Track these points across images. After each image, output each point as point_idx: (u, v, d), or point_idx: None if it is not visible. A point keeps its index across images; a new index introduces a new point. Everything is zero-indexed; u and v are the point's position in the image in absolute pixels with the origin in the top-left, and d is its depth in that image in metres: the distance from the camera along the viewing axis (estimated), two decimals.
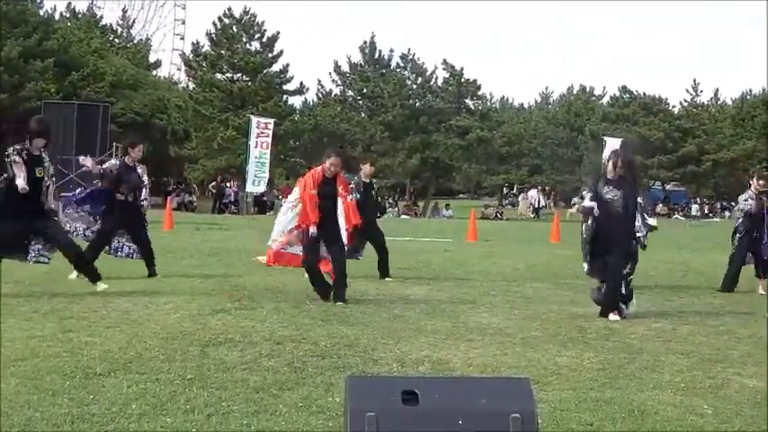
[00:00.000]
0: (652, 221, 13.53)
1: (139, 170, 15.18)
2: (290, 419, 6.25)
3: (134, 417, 6.21)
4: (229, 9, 73.48)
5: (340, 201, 12.88)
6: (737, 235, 16.15)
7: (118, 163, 15.37)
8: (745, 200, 16.09)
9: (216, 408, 6.49)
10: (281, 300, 12.33)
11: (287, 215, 14.55)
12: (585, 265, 12.84)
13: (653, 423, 6.56)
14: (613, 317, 11.90)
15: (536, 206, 67.02)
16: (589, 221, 12.41)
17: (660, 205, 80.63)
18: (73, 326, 9.77)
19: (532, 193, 73.06)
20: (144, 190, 15.24)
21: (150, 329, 9.71)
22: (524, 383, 5.05)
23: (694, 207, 76.28)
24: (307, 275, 12.91)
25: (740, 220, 16.22)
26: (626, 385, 7.87)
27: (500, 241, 29.38)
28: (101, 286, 12.48)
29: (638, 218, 12.96)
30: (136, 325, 9.98)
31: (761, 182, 15.71)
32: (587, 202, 12.47)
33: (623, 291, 12.25)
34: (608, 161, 12.86)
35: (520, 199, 62.07)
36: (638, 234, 13.01)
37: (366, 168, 17.02)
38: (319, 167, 12.95)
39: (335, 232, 12.75)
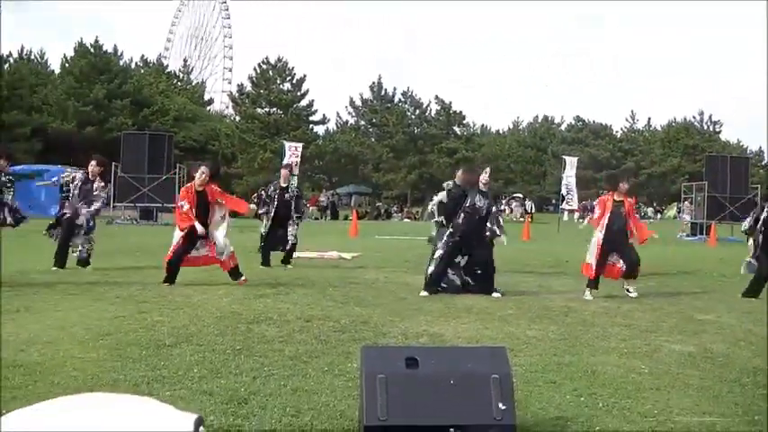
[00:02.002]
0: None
1: (96, 184, 14.87)
2: (318, 381, 6.26)
3: (195, 379, 6.23)
4: (266, 57, 73.80)
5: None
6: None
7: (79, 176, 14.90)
8: None
9: (259, 372, 6.50)
10: (309, 287, 12.33)
11: None
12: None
13: (602, 380, 6.57)
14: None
15: (529, 211, 66.03)
16: None
17: None
18: (147, 308, 9.79)
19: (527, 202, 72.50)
20: (95, 203, 14.90)
21: (207, 310, 9.72)
22: (502, 351, 5.08)
23: (650, 210, 75.83)
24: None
25: None
26: (581, 351, 7.86)
27: None
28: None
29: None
30: (196, 307, 9.99)
31: None
32: None
33: None
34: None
35: (513, 206, 61.27)
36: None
37: (283, 173, 17.00)
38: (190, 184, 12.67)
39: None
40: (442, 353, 5.38)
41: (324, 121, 76.58)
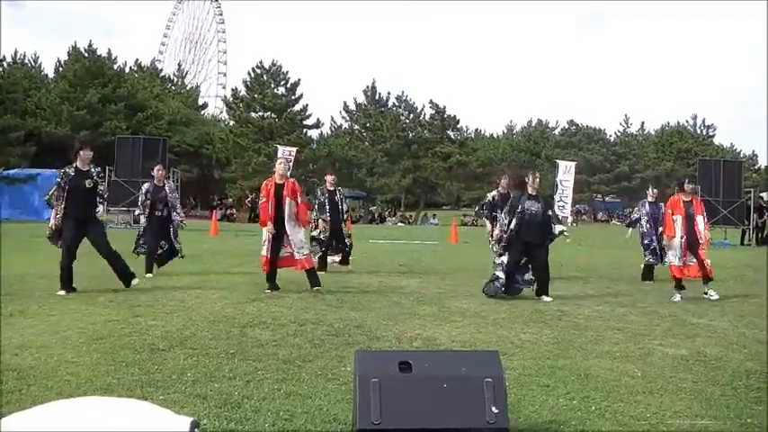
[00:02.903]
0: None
1: (167, 188, 15.28)
2: (312, 385, 6.26)
3: (189, 383, 6.23)
4: (261, 62, 73.76)
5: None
6: None
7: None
8: None
9: (253, 375, 6.51)
10: (303, 291, 12.33)
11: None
12: None
13: (595, 384, 6.58)
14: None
15: None
16: None
17: (600, 213, 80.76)
18: (141, 312, 9.79)
19: None
20: (177, 206, 15.36)
21: (201, 314, 9.73)
22: (495, 355, 5.09)
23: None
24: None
25: None
26: (575, 355, 7.88)
27: (476, 243, 29.31)
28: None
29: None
30: (189, 311, 10.00)
31: None
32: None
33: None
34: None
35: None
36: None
37: (329, 178, 17.04)
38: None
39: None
40: (436, 357, 5.39)
41: (318, 125, 76.49)
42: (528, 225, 12.56)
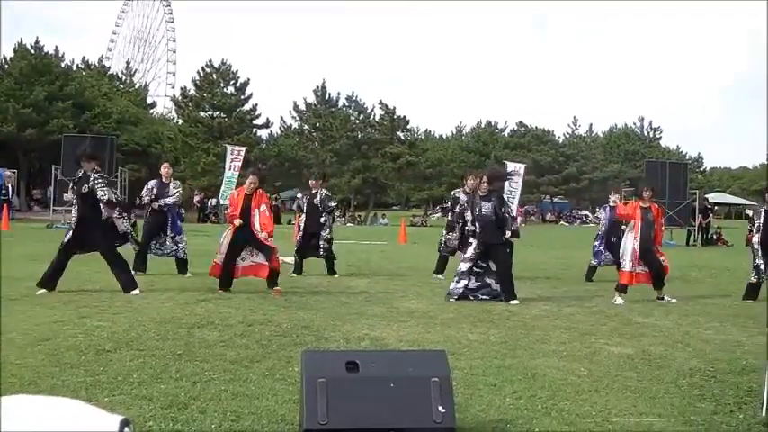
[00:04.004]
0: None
1: (171, 186, 15.47)
2: (259, 385, 6.23)
3: (135, 384, 6.16)
4: (210, 61, 73.34)
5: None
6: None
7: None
8: None
9: (200, 376, 6.46)
10: (251, 291, 12.26)
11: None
12: None
13: (542, 383, 6.62)
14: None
15: None
16: None
17: (549, 214, 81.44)
18: (87, 313, 9.68)
19: None
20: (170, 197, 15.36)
21: (148, 315, 9.64)
22: (442, 354, 5.10)
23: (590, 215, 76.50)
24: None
25: None
26: (522, 354, 7.92)
27: (424, 243, 29.39)
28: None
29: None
30: (136, 312, 9.91)
31: None
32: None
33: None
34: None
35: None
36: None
37: (312, 183, 16.64)
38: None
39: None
40: (383, 356, 5.39)
41: (267, 125, 76.16)
42: (483, 226, 12.58)
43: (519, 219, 44.00)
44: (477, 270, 12.58)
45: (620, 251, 13.43)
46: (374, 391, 4.72)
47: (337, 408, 4.61)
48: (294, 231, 16.67)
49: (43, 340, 7.87)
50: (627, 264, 13.07)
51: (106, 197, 11.82)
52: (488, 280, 12.59)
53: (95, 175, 11.95)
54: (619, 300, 12.72)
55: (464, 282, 12.41)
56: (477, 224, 12.60)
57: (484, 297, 12.43)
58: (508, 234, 12.57)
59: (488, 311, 10.96)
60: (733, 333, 9.79)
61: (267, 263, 12.45)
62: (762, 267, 13.50)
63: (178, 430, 5.05)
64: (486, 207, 12.55)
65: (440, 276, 15.51)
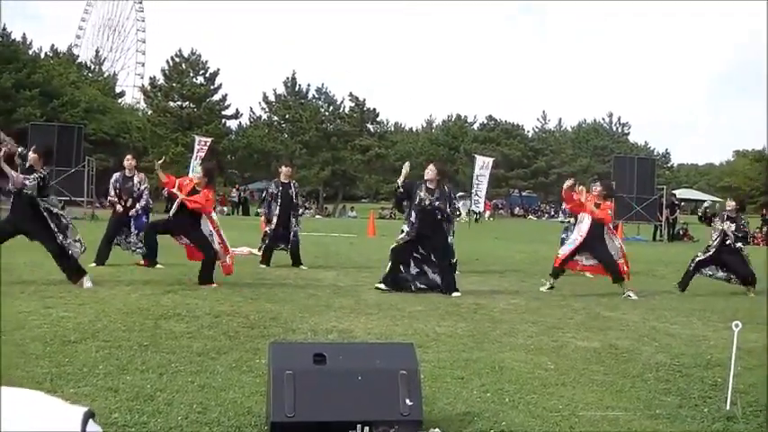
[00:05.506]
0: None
1: (136, 179, 15.21)
2: (226, 377, 6.20)
3: (101, 375, 6.11)
4: (180, 50, 73.05)
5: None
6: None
7: None
8: None
9: (166, 368, 6.41)
10: (219, 282, 12.21)
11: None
12: None
13: (509, 376, 6.63)
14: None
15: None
16: None
17: (517, 208, 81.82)
18: (52, 303, 9.58)
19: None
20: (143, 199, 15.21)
21: (114, 306, 9.57)
22: (410, 347, 5.10)
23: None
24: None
25: None
26: (490, 347, 7.94)
27: (393, 236, 29.45)
28: None
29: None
30: (102, 303, 9.82)
31: None
32: None
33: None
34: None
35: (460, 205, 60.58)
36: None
37: (284, 170, 16.69)
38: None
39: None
40: (350, 349, 5.39)
41: (237, 115, 76.00)
42: (422, 218, 12.44)
43: (487, 213, 44.05)
44: (417, 256, 12.58)
45: (569, 240, 13.49)
46: (342, 383, 4.71)
47: (304, 400, 4.60)
48: (262, 223, 16.58)
49: (7, 331, 7.79)
50: (566, 250, 13.19)
51: (30, 190, 11.26)
52: (427, 268, 12.60)
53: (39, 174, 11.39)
54: (547, 285, 12.87)
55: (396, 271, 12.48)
56: (414, 213, 12.48)
57: (422, 286, 12.47)
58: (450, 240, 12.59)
59: (456, 305, 10.98)
60: (698, 328, 9.88)
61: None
62: (699, 259, 14.35)
63: (144, 422, 5.01)
64: (428, 199, 12.46)
65: None
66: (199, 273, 12.14)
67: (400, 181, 12.76)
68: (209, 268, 12.13)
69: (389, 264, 12.54)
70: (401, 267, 12.53)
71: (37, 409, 2.46)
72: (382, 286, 12.26)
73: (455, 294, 12.03)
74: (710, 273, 14.41)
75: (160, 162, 12.50)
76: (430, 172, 12.64)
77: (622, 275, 13.07)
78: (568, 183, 13.44)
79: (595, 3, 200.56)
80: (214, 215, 12.79)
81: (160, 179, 12.56)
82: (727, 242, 14.07)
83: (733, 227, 13.99)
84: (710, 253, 14.28)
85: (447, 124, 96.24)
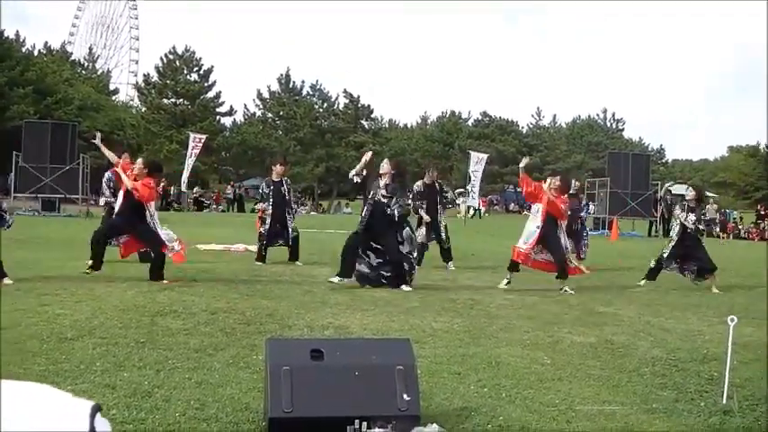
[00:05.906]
0: None
1: None
2: (223, 373, 6.21)
3: (98, 372, 6.11)
4: (174, 47, 72.98)
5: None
6: None
7: None
8: None
9: (163, 365, 6.42)
10: (215, 279, 12.22)
11: None
12: None
13: (506, 371, 6.65)
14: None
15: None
16: None
17: (512, 204, 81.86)
18: (48, 301, 9.57)
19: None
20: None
21: (110, 303, 9.56)
22: (406, 343, 5.11)
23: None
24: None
25: None
26: (486, 343, 7.95)
27: None
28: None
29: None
30: (99, 300, 9.82)
31: None
32: None
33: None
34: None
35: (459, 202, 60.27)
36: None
37: (277, 168, 16.64)
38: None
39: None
40: (347, 345, 5.40)
41: (231, 112, 76.02)
42: (372, 212, 12.42)
43: (483, 209, 43.97)
44: (377, 247, 12.48)
45: (525, 232, 13.18)
46: (339, 379, 4.71)
47: (302, 396, 4.60)
48: (257, 220, 16.58)
49: (4, 328, 7.78)
50: (522, 243, 12.94)
51: None
52: (380, 262, 12.49)
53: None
54: (504, 281, 12.83)
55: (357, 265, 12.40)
56: (366, 207, 12.50)
57: (387, 275, 12.38)
58: (407, 248, 12.42)
59: (452, 300, 10.99)
60: (694, 323, 9.91)
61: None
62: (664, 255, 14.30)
63: (142, 419, 5.01)
64: (381, 193, 12.41)
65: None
66: (150, 269, 12.14)
67: (356, 170, 12.77)
68: (160, 263, 12.11)
69: (341, 258, 12.46)
70: (358, 260, 12.46)
71: (44, 402, 2.47)
72: (336, 279, 12.13)
73: (405, 288, 11.94)
74: (673, 267, 14.35)
75: (100, 137, 12.38)
76: (385, 166, 12.70)
77: (568, 273, 12.83)
78: (525, 160, 13.33)
79: (592, 2, 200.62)
80: (152, 206, 12.71)
81: (109, 158, 12.50)
82: (688, 230, 14.04)
83: (693, 217, 13.98)
84: (673, 243, 14.26)
85: (441, 120, 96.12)
